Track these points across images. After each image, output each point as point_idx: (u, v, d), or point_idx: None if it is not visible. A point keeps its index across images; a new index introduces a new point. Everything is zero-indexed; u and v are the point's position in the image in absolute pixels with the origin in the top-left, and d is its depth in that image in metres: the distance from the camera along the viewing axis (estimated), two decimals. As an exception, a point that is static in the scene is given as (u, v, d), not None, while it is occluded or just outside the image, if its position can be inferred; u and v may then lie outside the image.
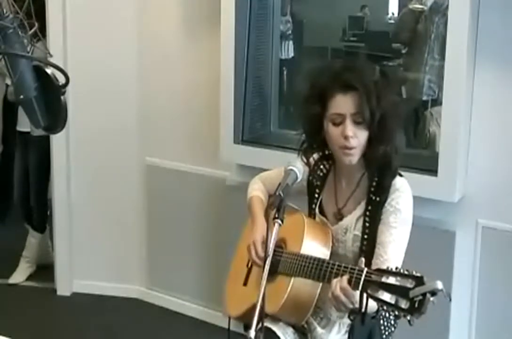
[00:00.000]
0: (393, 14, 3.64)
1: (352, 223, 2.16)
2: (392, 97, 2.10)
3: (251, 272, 2.32)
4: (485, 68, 2.75)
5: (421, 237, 2.79)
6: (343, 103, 2.04)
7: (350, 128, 2.03)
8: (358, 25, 3.76)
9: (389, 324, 2.21)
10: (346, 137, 2.04)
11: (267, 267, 1.81)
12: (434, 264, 2.86)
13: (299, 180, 2.04)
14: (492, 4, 2.70)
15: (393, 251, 2.05)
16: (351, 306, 1.83)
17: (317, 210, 2.26)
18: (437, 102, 3.11)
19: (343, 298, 1.83)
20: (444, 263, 2.86)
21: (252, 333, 1.69)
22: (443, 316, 2.86)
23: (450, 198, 2.81)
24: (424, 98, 3.30)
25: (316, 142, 2.17)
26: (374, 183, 2.13)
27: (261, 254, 2.20)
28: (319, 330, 2.18)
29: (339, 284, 1.84)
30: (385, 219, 2.09)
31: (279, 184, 1.98)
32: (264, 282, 1.78)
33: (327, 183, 2.25)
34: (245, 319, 2.22)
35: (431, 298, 1.64)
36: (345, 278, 1.84)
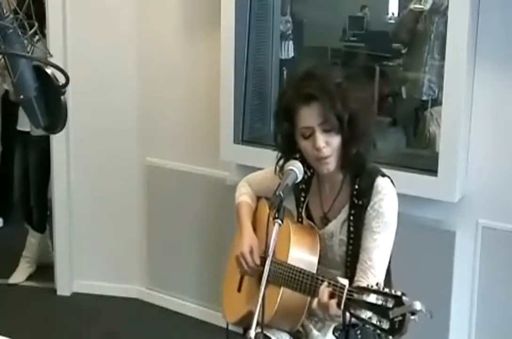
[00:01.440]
0: (393, 14, 3.63)
1: (337, 227, 2.15)
2: (358, 96, 2.07)
3: (244, 278, 2.31)
4: (485, 68, 2.75)
5: (421, 237, 2.80)
6: (308, 116, 2.02)
7: (320, 139, 2.01)
8: (358, 25, 3.75)
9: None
10: (318, 149, 2.02)
11: (267, 267, 1.80)
12: (434, 264, 2.87)
13: (299, 180, 2.03)
14: (492, 4, 2.70)
15: (377, 256, 2.03)
16: (336, 319, 1.84)
17: (303, 214, 2.24)
18: (437, 102, 3.11)
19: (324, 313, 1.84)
20: (444, 263, 2.86)
21: (252, 333, 1.69)
22: (443, 316, 2.86)
23: (450, 198, 2.81)
24: (424, 98, 3.29)
25: (292, 157, 2.13)
26: (356, 186, 2.11)
27: (252, 264, 2.21)
28: (315, 332, 2.17)
29: (320, 297, 1.85)
30: (368, 224, 2.07)
31: (279, 184, 1.98)
32: (264, 281, 1.77)
33: (312, 186, 2.23)
34: (243, 325, 2.23)
35: (412, 317, 1.63)
36: (327, 291, 1.84)
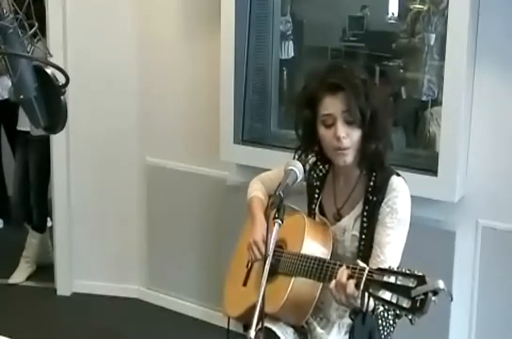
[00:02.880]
0: (393, 14, 3.63)
1: (350, 223, 2.17)
2: (381, 95, 2.11)
3: (251, 272, 2.32)
4: (485, 68, 2.75)
5: (421, 237, 2.80)
6: (331, 104, 2.05)
7: (341, 129, 2.04)
8: (358, 25, 3.75)
9: (388, 324, 2.21)
10: (338, 138, 2.05)
11: (267, 267, 1.81)
12: (434, 264, 2.86)
13: (299, 180, 2.04)
14: (492, 4, 2.70)
15: (390, 251, 2.05)
16: (352, 300, 1.82)
17: (317, 210, 2.27)
18: (437, 102, 3.11)
19: (341, 292, 1.82)
20: (444, 263, 2.86)
21: (252, 333, 1.69)
22: (443, 316, 2.86)
23: (450, 198, 2.81)
24: (424, 98, 3.30)
25: (311, 147, 2.18)
26: (371, 183, 2.13)
27: (264, 252, 2.20)
28: (318, 330, 2.18)
29: (341, 277, 1.84)
30: (381, 219, 2.09)
31: (279, 184, 1.98)
32: (264, 281, 1.78)
33: (327, 183, 2.26)
34: (245, 319, 2.22)
35: (433, 298, 1.64)
36: (346, 272, 1.83)
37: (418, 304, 1.64)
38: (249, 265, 2.33)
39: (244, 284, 2.33)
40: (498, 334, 2.89)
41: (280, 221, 1.88)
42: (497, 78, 2.75)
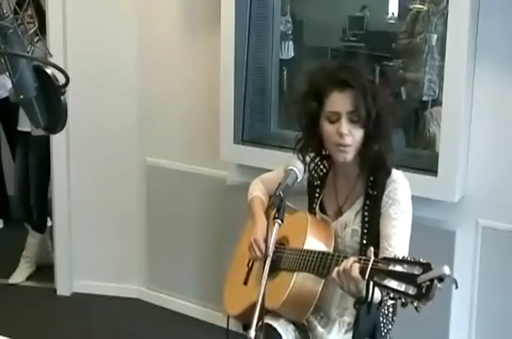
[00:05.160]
0: (393, 14, 3.63)
1: (351, 218, 2.18)
2: (386, 98, 2.13)
3: (252, 271, 2.33)
4: (485, 68, 2.75)
5: (421, 237, 2.79)
6: (339, 101, 2.06)
7: (345, 126, 2.05)
8: (358, 25, 3.75)
9: (387, 321, 2.22)
10: (341, 135, 2.05)
11: (267, 266, 1.81)
12: (434, 264, 2.86)
13: (299, 180, 2.05)
14: (492, 5, 2.70)
15: (397, 242, 2.06)
16: (359, 287, 1.82)
17: (317, 209, 2.27)
18: (437, 102, 3.11)
19: (345, 278, 1.83)
20: (444, 263, 2.85)
21: (252, 332, 1.69)
22: (443, 316, 2.86)
23: (450, 198, 2.81)
24: (424, 98, 3.29)
25: (312, 140, 2.18)
26: (371, 178, 2.15)
27: (264, 250, 2.21)
28: (319, 329, 2.18)
29: (344, 264, 1.84)
30: (385, 212, 2.10)
31: (279, 184, 1.98)
32: (264, 281, 1.78)
33: (327, 182, 2.26)
34: (245, 318, 2.22)
35: (438, 285, 1.64)
36: (352, 259, 1.84)
37: (423, 291, 1.64)
38: (250, 264, 2.33)
39: (245, 282, 2.33)
40: (498, 334, 2.89)
41: (280, 221, 1.89)
42: (497, 78, 2.75)
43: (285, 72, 3.65)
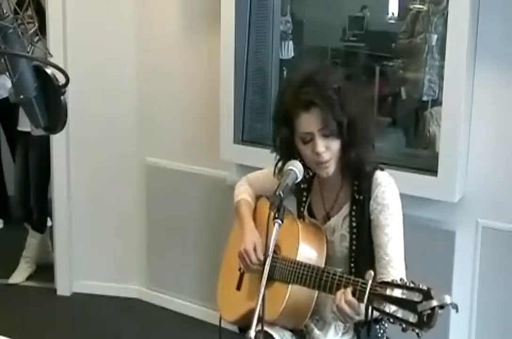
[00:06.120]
0: (393, 14, 3.63)
1: (338, 222, 2.16)
2: (357, 99, 2.08)
3: (244, 276, 2.31)
4: (485, 68, 2.75)
5: (421, 237, 2.80)
6: (308, 121, 2.03)
7: (320, 144, 2.03)
8: (358, 25, 3.76)
9: (383, 321, 2.21)
10: (318, 154, 2.04)
11: (267, 267, 1.80)
12: (434, 264, 2.87)
13: (299, 180, 2.04)
14: (492, 4, 2.70)
15: (392, 249, 2.04)
16: (356, 317, 1.82)
17: (305, 212, 2.26)
18: (437, 102, 3.11)
19: (348, 310, 1.81)
20: (444, 263, 2.86)
21: (252, 333, 1.69)
22: (443, 317, 2.85)
23: (450, 198, 2.81)
24: (424, 98, 3.30)
25: (290, 160, 2.12)
26: (356, 182, 2.13)
27: (256, 261, 2.20)
28: (316, 331, 2.17)
29: (343, 296, 1.83)
30: (375, 219, 2.08)
31: (279, 184, 1.98)
32: (264, 281, 1.77)
33: (314, 186, 2.25)
34: (242, 323, 2.23)
35: (439, 312, 1.63)
36: (350, 290, 1.83)
37: (425, 319, 1.63)
38: (242, 269, 2.31)
39: (238, 288, 2.31)
40: (498, 334, 2.89)
41: (280, 221, 1.88)
42: (497, 78, 2.75)
43: (285, 72, 3.65)
